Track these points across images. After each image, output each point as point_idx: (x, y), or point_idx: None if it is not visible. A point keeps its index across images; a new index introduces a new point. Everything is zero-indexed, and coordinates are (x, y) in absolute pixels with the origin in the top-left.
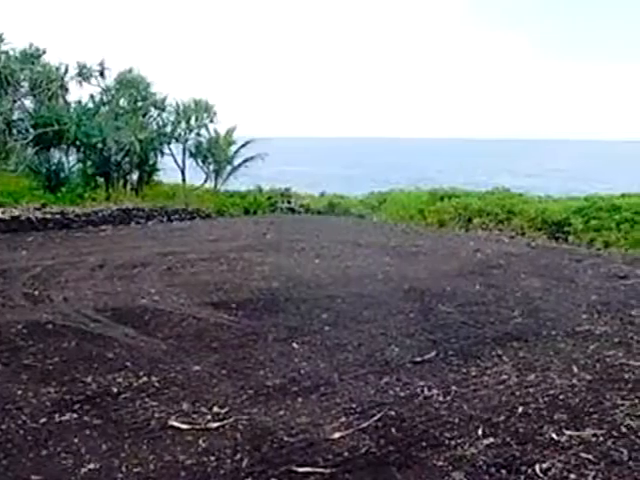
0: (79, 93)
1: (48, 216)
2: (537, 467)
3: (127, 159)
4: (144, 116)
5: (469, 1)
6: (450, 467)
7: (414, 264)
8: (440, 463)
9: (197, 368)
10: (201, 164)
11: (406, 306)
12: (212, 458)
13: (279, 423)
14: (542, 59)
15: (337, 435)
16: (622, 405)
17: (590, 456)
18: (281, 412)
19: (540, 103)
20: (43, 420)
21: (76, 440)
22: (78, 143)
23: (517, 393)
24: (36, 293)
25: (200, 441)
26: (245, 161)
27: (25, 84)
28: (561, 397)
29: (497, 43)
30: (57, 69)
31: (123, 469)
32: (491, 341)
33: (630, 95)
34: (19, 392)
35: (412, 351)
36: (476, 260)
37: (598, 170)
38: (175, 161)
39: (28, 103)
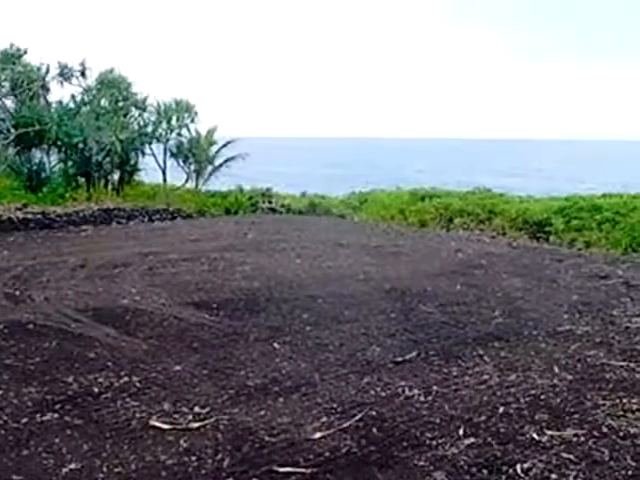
0: (60, 93)
1: (29, 216)
2: (518, 467)
3: (108, 159)
4: (125, 116)
5: (448, 1)
6: (431, 467)
7: (395, 264)
8: (421, 463)
9: (178, 368)
10: (182, 164)
11: (387, 306)
12: (193, 458)
13: (260, 423)
14: (523, 59)
15: (318, 435)
16: (603, 405)
17: (571, 456)
18: (262, 412)
19: (521, 103)
20: (24, 420)
21: (57, 440)
22: (59, 143)
23: (498, 393)
24: (17, 293)
25: (181, 441)
26: (226, 161)
27: (6, 84)
28: (542, 397)
29: (478, 43)
30: (38, 69)
31: (104, 469)
32: (472, 341)
33: (611, 95)
34: (0, 392)
35: (393, 351)
36: (457, 260)
37: (579, 170)
38: (156, 161)
39: (9, 103)
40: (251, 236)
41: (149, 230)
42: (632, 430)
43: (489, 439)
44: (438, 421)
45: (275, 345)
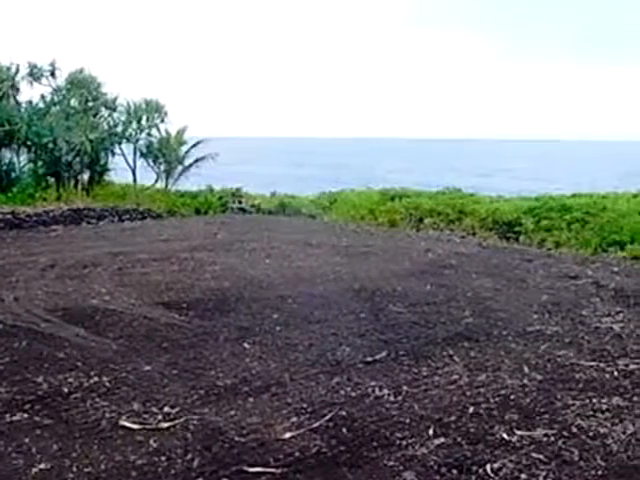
0: (30, 93)
1: None
2: (488, 467)
3: (78, 159)
4: (95, 116)
5: (428, 1)
6: (401, 467)
7: (365, 264)
8: (391, 463)
9: (148, 368)
10: (152, 164)
11: (357, 306)
12: (163, 458)
13: (230, 423)
14: (500, 60)
15: (288, 435)
16: (573, 405)
17: (541, 456)
18: (232, 412)
19: (492, 103)
20: None
21: (27, 440)
22: (29, 143)
23: (468, 393)
24: None
25: (151, 441)
26: (196, 161)
27: None
28: (512, 397)
29: (455, 44)
30: (8, 69)
31: (74, 469)
32: (442, 341)
33: (582, 96)
34: None
35: (363, 351)
36: (427, 260)
37: (549, 170)
38: (126, 161)
39: None
40: (221, 236)
41: (119, 230)
42: (602, 430)
43: (459, 439)
44: (408, 421)
45: (245, 345)
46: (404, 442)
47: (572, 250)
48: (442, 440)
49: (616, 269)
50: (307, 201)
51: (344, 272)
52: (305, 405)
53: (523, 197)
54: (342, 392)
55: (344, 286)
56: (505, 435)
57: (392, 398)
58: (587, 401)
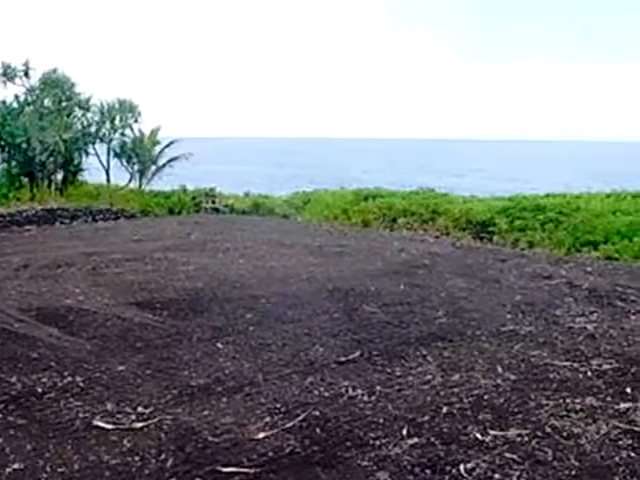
0: (3, 93)
1: None
2: (462, 467)
3: (52, 159)
4: (68, 116)
5: (392, 3)
6: (374, 467)
7: (338, 264)
8: (365, 463)
9: (121, 368)
10: (125, 164)
11: (330, 306)
12: (136, 458)
13: (203, 423)
14: (470, 60)
15: (261, 435)
16: (546, 405)
17: (514, 456)
18: (205, 412)
19: (468, 104)
20: None
21: (0, 440)
22: (2, 143)
23: (441, 393)
24: None
25: (124, 441)
26: (169, 161)
27: None
28: (485, 397)
29: (426, 44)
30: None
31: (47, 469)
32: (415, 341)
33: (554, 96)
34: None
35: (336, 351)
36: (400, 260)
37: (523, 170)
38: (100, 161)
39: None
40: (194, 236)
41: (93, 230)
42: (575, 430)
43: (432, 439)
44: (381, 421)
45: (218, 345)
46: (378, 442)
47: (546, 250)
48: (416, 440)
49: (589, 269)
50: (280, 201)
51: (318, 272)
52: (279, 405)
53: (496, 197)
54: (316, 392)
55: (317, 286)
56: (479, 435)
57: (366, 398)
58: (561, 401)
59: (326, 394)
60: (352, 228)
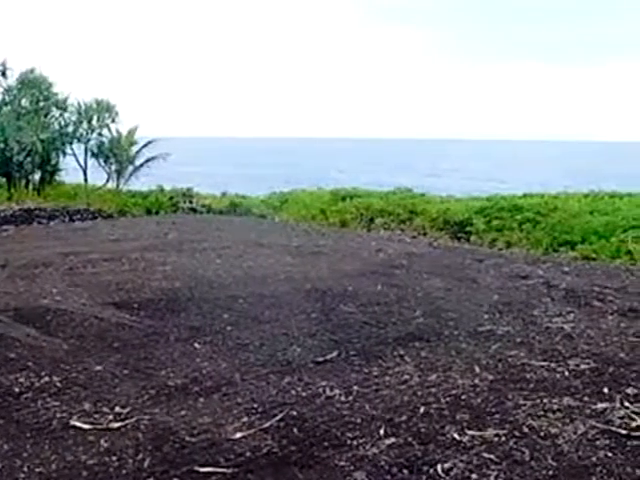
0: None
1: None
2: (439, 467)
3: (29, 159)
4: (46, 116)
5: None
6: (352, 467)
7: (316, 264)
8: (342, 463)
9: (99, 368)
10: (103, 164)
11: (308, 306)
12: (114, 458)
13: (181, 423)
14: (451, 60)
15: (239, 435)
16: (524, 405)
17: (492, 456)
18: (183, 412)
19: (439, 103)
20: None
21: None
22: None
23: (419, 393)
24: None
25: (102, 441)
26: (147, 161)
27: None
28: (463, 397)
29: (409, 44)
30: None
31: (25, 469)
32: (393, 341)
33: (530, 95)
34: None
35: (314, 351)
36: (378, 260)
37: (501, 170)
38: (77, 161)
39: None
40: (172, 236)
41: (70, 230)
42: (553, 430)
43: (410, 439)
44: (359, 421)
45: (196, 345)
46: (355, 442)
47: (523, 250)
48: (393, 440)
49: (567, 269)
50: (258, 201)
51: (295, 272)
52: (256, 405)
53: (474, 197)
54: (293, 392)
55: (295, 286)
56: (456, 435)
57: (343, 398)
58: (538, 401)
59: (303, 394)
60: (330, 228)
